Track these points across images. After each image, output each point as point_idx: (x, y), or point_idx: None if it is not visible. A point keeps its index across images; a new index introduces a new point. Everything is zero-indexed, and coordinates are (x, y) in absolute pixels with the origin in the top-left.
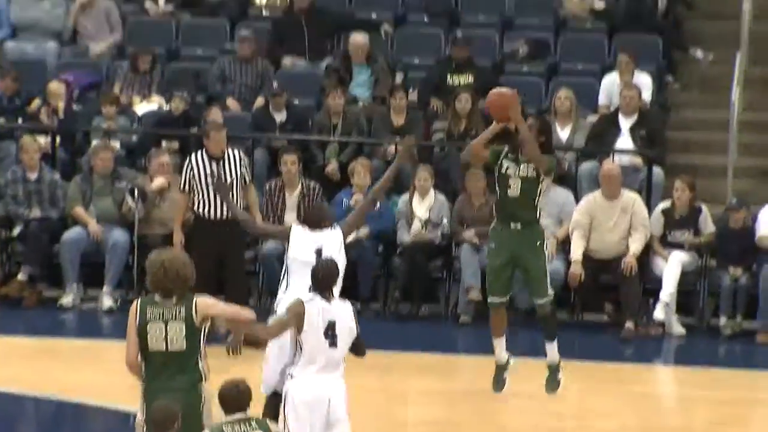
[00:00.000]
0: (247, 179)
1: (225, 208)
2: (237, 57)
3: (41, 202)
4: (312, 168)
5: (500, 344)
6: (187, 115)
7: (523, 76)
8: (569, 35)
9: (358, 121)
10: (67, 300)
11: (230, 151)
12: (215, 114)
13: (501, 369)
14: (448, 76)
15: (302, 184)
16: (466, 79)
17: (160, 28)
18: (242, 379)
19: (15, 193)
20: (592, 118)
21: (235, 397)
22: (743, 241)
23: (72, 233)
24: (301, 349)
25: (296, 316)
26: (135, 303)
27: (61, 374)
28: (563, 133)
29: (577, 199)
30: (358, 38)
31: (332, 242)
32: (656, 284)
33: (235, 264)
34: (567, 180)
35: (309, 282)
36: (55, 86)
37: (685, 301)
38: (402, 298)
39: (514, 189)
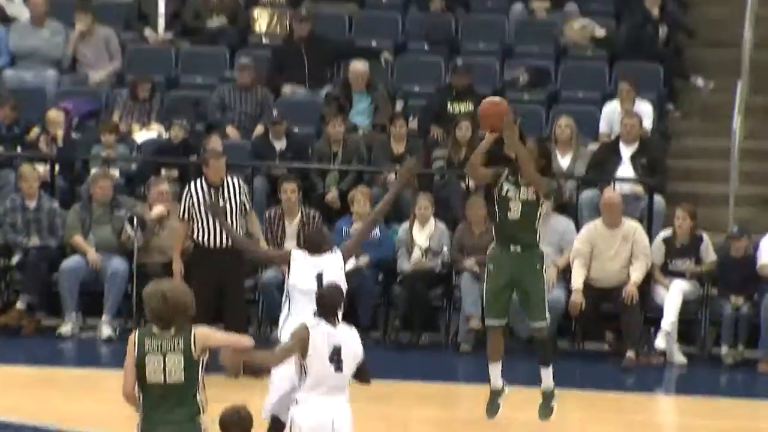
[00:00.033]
0: (248, 207)
1: (224, 237)
2: (237, 85)
3: (40, 231)
4: (312, 196)
5: (496, 369)
6: (187, 143)
7: (524, 104)
8: (570, 63)
9: (358, 149)
10: (65, 329)
11: (229, 179)
12: (215, 142)
13: (495, 395)
14: (449, 104)
15: (302, 212)
16: (467, 107)
17: (160, 56)
18: (243, 405)
19: (14, 221)
20: (593, 146)
21: (236, 423)
22: (745, 270)
23: (71, 262)
24: (305, 374)
25: (301, 341)
26: (133, 335)
27: (60, 403)
28: (564, 161)
29: (578, 228)
30: (358, 66)
31: (333, 266)
32: (657, 313)
33: (235, 292)
34: (568, 208)
35: (311, 307)
36: (54, 114)
37: (686, 330)
38: (402, 327)
39: (515, 212)
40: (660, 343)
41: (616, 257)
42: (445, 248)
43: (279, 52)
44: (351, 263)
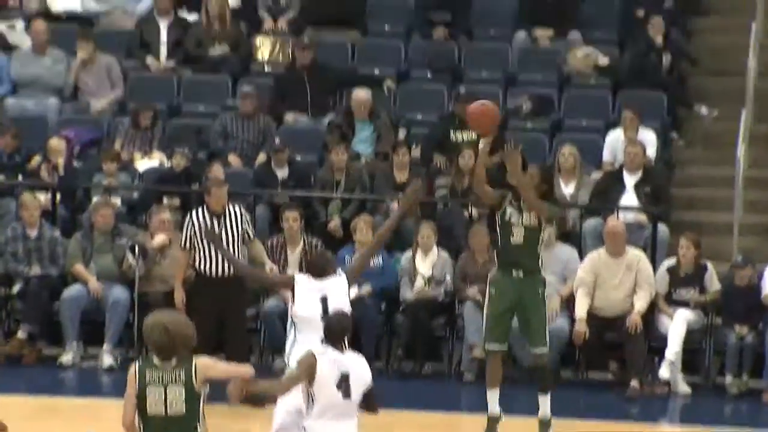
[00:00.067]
0: (251, 234)
1: (226, 265)
2: (239, 113)
3: (41, 260)
4: (314, 225)
5: (495, 396)
6: (189, 172)
7: (527, 133)
8: (573, 91)
9: (360, 178)
10: (66, 358)
11: (231, 207)
12: (217, 170)
13: (494, 422)
14: (452, 132)
15: (304, 241)
16: (470, 135)
17: (162, 84)
18: None
19: (15, 250)
20: (597, 175)
21: None
22: (749, 299)
23: (72, 291)
24: (313, 401)
25: (308, 369)
26: (133, 366)
27: None
28: (567, 189)
29: (582, 257)
30: (361, 94)
31: (337, 289)
32: (661, 342)
33: (237, 322)
34: (571, 237)
35: (316, 332)
36: (56, 143)
37: (690, 360)
38: (405, 356)
39: (517, 237)
40: (664, 372)
41: (620, 286)
42: (448, 277)
43: (281, 80)
44: (353, 292)
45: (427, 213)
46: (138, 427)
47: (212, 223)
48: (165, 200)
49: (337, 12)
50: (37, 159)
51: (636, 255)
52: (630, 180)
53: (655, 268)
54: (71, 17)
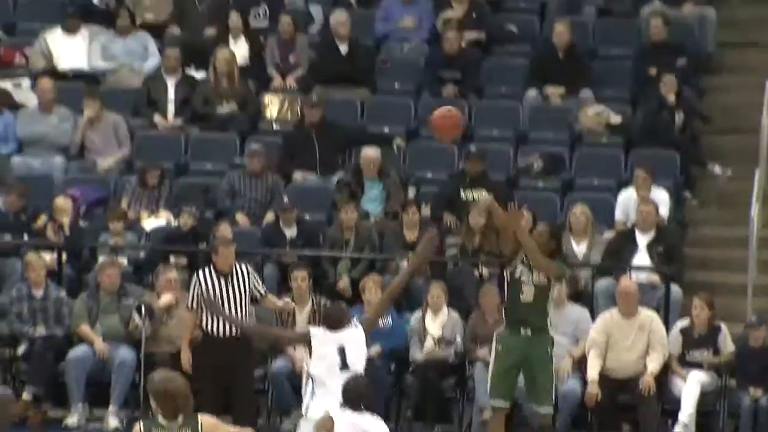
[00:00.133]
0: (262, 291)
1: (233, 326)
2: (247, 171)
3: (46, 320)
4: (323, 284)
5: None
6: (196, 231)
7: (538, 192)
8: (585, 150)
9: (370, 237)
10: (72, 420)
11: (238, 266)
12: (224, 229)
13: None
14: (462, 191)
15: (313, 300)
16: (480, 194)
17: (169, 143)
18: None
19: (20, 311)
20: (609, 234)
21: None
22: (763, 361)
23: (78, 352)
24: None
25: None
26: (138, 426)
27: None
28: (579, 249)
29: (594, 317)
30: (370, 152)
31: (354, 340)
32: (675, 404)
33: (244, 382)
34: (583, 297)
35: (334, 386)
36: (62, 202)
37: (704, 422)
38: (415, 418)
39: (527, 295)
40: None
41: (632, 347)
42: (459, 337)
43: (290, 138)
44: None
45: (437, 272)
46: None
47: (219, 283)
48: (172, 259)
49: (346, 69)
50: (43, 218)
51: (649, 316)
52: (642, 240)
53: (668, 329)
54: (78, 75)
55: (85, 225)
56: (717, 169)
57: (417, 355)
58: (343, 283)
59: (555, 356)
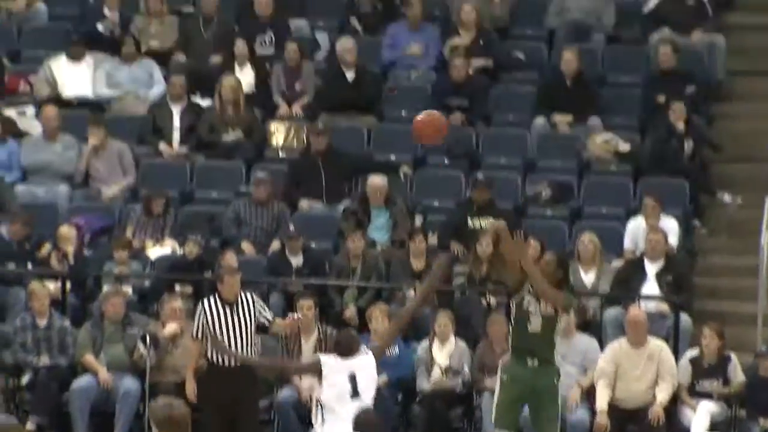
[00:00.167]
0: (269, 318)
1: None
2: (252, 200)
3: (50, 350)
4: (329, 313)
5: None
6: (201, 260)
7: (546, 220)
8: (593, 178)
9: (377, 265)
10: None
11: (244, 295)
12: (230, 258)
13: None
14: (469, 219)
15: (319, 330)
16: (488, 222)
17: (175, 171)
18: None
19: (24, 340)
20: (617, 263)
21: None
22: None
23: (82, 381)
24: None
25: None
26: None
27: None
28: (587, 278)
29: (602, 346)
30: (377, 180)
31: (365, 367)
32: None
33: (249, 413)
34: (591, 327)
35: (344, 413)
36: (66, 230)
37: None
38: None
39: (535, 325)
40: None
41: (641, 377)
42: (466, 367)
43: (296, 166)
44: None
45: (445, 301)
46: None
47: (225, 312)
48: (177, 288)
49: (353, 97)
50: (47, 247)
51: (658, 345)
52: (651, 268)
53: (677, 359)
54: (82, 103)
55: (90, 254)
56: (727, 197)
57: (424, 384)
58: (350, 312)
59: (563, 386)
